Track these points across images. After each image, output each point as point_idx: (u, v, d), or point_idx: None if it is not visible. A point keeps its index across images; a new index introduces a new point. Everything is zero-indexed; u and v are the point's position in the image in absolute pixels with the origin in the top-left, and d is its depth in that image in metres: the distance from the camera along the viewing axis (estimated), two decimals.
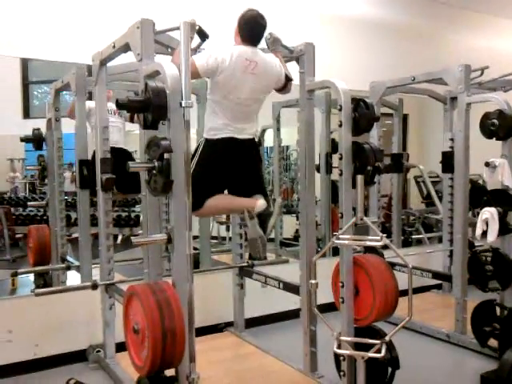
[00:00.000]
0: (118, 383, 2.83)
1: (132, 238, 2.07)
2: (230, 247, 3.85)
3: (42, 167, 4.02)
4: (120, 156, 4.00)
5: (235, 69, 2.60)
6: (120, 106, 2.00)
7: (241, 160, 2.77)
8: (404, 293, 2.30)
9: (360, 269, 2.51)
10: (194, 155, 2.68)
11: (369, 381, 2.36)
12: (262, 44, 2.82)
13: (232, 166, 2.75)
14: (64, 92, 3.63)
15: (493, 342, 3.12)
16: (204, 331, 3.47)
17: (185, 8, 3.75)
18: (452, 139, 3.93)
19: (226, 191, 2.87)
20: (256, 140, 2.89)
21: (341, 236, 2.38)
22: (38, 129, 3.76)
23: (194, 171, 2.49)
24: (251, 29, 2.69)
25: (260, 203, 2.68)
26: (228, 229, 5.21)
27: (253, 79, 2.66)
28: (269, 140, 5.08)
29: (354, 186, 2.46)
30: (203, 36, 2.57)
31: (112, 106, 3.91)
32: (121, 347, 2.76)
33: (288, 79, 2.86)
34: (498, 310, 3.16)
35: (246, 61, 2.59)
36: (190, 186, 2.09)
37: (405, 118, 5.15)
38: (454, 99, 4.06)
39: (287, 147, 5.66)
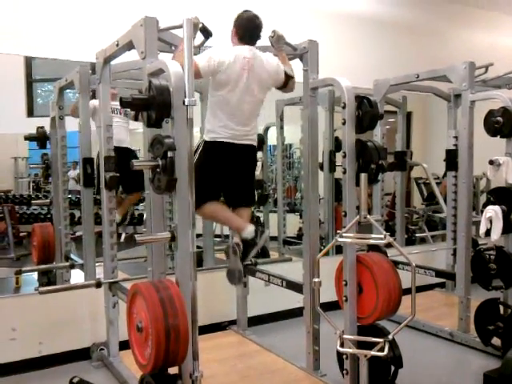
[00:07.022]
0: (121, 381, 2.84)
1: (136, 236, 2.07)
2: None
3: (46, 165, 4.03)
4: (124, 155, 4.00)
5: (234, 68, 2.63)
6: (124, 104, 2.00)
7: (238, 165, 2.83)
8: (407, 291, 2.30)
9: (363, 267, 2.51)
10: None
11: (372, 379, 2.36)
12: (266, 42, 2.82)
13: (229, 169, 2.80)
14: (68, 90, 3.64)
15: (496, 341, 3.12)
16: (207, 329, 3.47)
17: (188, 6, 3.75)
18: (456, 137, 3.92)
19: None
20: (255, 145, 2.92)
21: (344, 234, 2.38)
22: (42, 127, 3.77)
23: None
24: (248, 28, 2.76)
25: (249, 230, 2.80)
26: None
27: (248, 76, 2.68)
28: (272, 138, 5.07)
29: (357, 184, 2.46)
30: (207, 34, 2.56)
31: (117, 105, 3.90)
32: (124, 345, 2.77)
33: (288, 77, 2.85)
34: (501, 308, 3.16)
35: (244, 59, 2.63)
36: (193, 185, 2.09)
37: (409, 115, 5.13)
38: (458, 97, 4.03)
39: (290, 145, 5.65)
